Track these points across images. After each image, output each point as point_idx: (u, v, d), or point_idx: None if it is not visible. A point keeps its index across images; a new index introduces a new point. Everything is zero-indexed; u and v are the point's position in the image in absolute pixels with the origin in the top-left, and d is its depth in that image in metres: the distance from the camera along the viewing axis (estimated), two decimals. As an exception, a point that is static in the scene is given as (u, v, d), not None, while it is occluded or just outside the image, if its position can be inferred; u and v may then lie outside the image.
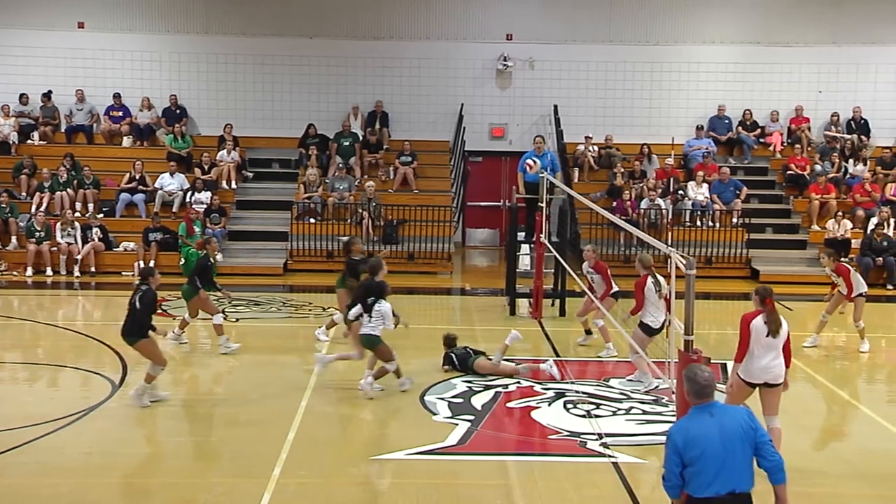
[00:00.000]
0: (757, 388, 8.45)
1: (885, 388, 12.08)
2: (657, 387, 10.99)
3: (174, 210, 20.46)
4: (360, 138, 22.42)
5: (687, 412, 5.71)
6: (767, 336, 8.37)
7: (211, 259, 13.24)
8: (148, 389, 10.43)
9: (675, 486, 5.55)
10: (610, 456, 8.86)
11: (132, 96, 22.59)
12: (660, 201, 20.22)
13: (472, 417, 10.12)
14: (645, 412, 10.37)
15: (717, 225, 20.34)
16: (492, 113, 22.99)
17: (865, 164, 21.52)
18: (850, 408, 10.87)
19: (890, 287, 18.68)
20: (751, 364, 8.39)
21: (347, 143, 22.10)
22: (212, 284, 12.86)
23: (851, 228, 19.78)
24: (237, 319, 14.71)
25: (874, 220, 19.57)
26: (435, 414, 10.24)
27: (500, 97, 23.03)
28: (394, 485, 8.35)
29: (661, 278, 10.93)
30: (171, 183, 20.90)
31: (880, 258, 18.61)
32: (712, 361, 11.02)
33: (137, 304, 10.29)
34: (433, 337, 12.60)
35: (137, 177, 20.90)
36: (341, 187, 21.03)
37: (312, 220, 20.38)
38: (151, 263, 19.27)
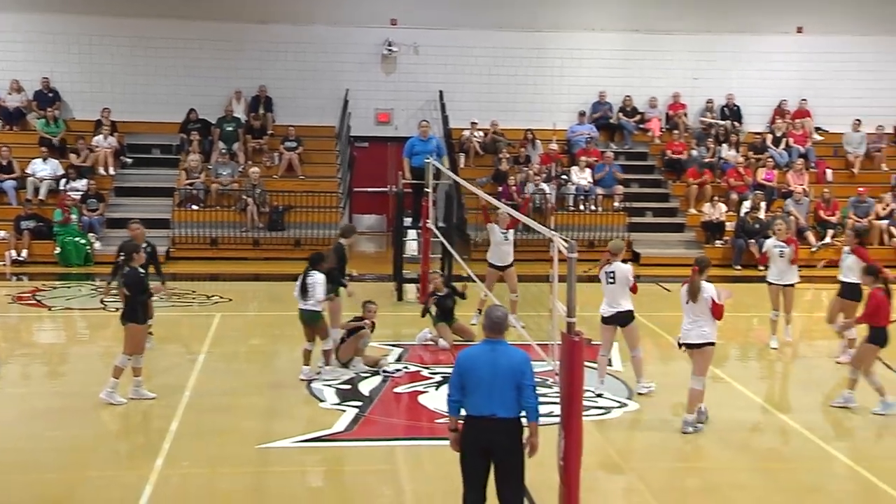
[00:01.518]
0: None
1: (757, 366, 12.58)
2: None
3: (41, 197, 19.68)
4: (244, 123, 22.03)
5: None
6: (688, 302, 9.27)
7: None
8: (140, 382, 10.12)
9: (453, 402, 6.44)
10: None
11: (0, 78, 21.62)
12: (544, 186, 20.55)
13: (359, 403, 10.12)
14: (530, 393, 10.54)
15: (600, 209, 20.81)
16: (377, 98, 22.89)
17: (738, 150, 22.34)
18: (725, 384, 11.28)
19: (761, 268, 19.39)
20: (682, 327, 9.42)
21: (231, 129, 21.69)
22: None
23: (726, 212, 20.51)
24: (118, 309, 14.28)
25: (747, 204, 20.34)
26: (322, 401, 10.20)
27: (386, 82, 22.95)
28: (280, 473, 8.28)
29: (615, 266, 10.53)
30: (43, 169, 20.12)
31: (752, 240, 19.35)
32: (593, 343, 11.33)
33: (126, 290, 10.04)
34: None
35: (5, 163, 20.03)
36: (225, 173, 20.64)
37: (195, 207, 19.95)
38: (25, 253, 18.56)
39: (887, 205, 20.48)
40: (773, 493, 8.03)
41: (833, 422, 9.98)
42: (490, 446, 6.30)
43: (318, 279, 10.60)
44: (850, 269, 11.87)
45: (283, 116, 22.48)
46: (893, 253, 19.92)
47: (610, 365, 11.21)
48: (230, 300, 15.60)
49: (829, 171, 22.34)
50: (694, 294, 9.24)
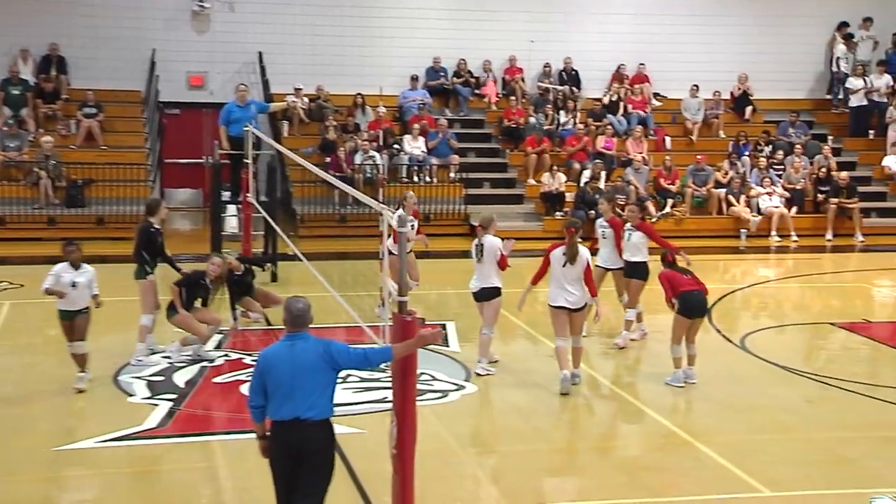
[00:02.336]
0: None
1: (598, 340, 13.02)
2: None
3: None
4: (33, 86, 20.98)
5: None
6: (564, 266, 10.00)
7: None
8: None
9: (255, 407, 6.23)
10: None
11: None
12: (375, 155, 20.55)
13: (174, 396, 9.92)
14: (362, 379, 10.57)
15: (434, 180, 21.01)
16: (189, 60, 22.28)
17: (576, 116, 23.01)
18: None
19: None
20: (551, 289, 10.26)
21: (17, 92, 20.65)
22: None
23: (565, 182, 21.11)
24: None
25: (587, 174, 21.01)
26: (131, 395, 9.95)
27: (198, 42, 22.35)
28: (80, 477, 8.00)
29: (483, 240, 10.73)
30: None
31: (593, 211, 19.99)
32: (428, 322, 11.46)
33: None
34: (128, 311, 12.13)
35: None
36: (13, 144, 19.61)
37: (-22, 182, 18.90)
38: None
39: (726, 172, 21.60)
40: (611, 472, 8.37)
41: (672, 399, 10.48)
42: (299, 452, 6.09)
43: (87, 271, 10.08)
44: (636, 248, 11.69)
45: (79, 79, 21.54)
46: (733, 223, 21.05)
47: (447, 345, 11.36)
48: (21, 286, 14.90)
49: (668, 139, 23.37)
50: (572, 257, 10.07)
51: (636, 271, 11.81)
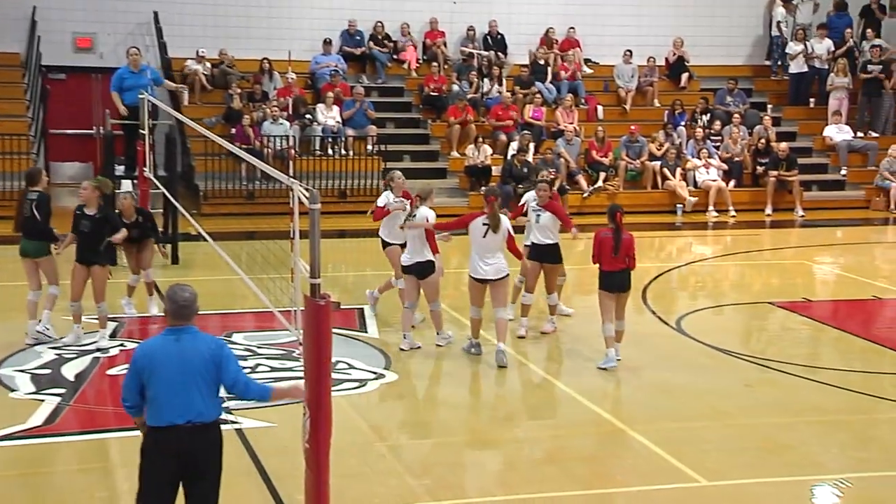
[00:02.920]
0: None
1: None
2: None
3: None
4: None
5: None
6: (485, 235, 10.49)
7: None
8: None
9: (132, 406, 5.99)
10: (233, 421, 8.90)
11: None
12: (285, 125, 20.37)
13: (62, 391, 9.78)
14: (273, 369, 10.54)
15: (350, 153, 20.92)
16: (75, 20, 21.79)
17: (503, 84, 23.09)
18: (489, 346, 11.72)
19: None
20: (472, 262, 10.74)
21: None
22: None
23: (491, 154, 21.18)
24: None
25: (514, 146, 21.11)
26: (13, 390, 9.78)
27: (85, 1, 21.86)
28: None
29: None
30: None
31: (520, 185, 20.12)
32: (343, 307, 11.46)
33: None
34: (16, 295, 11.92)
35: None
36: None
37: None
38: None
39: (661, 144, 21.88)
40: (540, 463, 8.48)
41: (604, 385, 10.63)
42: (191, 459, 5.86)
43: None
44: (547, 229, 11.57)
45: (-57, 40, 20.94)
46: (668, 197, 21.38)
47: (363, 333, 11.35)
48: None
49: (600, 108, 23.59)
50: (495, 226, 10.50)
51: (547, 255, 11.65)
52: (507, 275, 10.77)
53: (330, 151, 20.88)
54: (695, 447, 8.80)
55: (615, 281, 10.58)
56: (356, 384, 10.21)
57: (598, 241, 10.61)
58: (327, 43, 22.83)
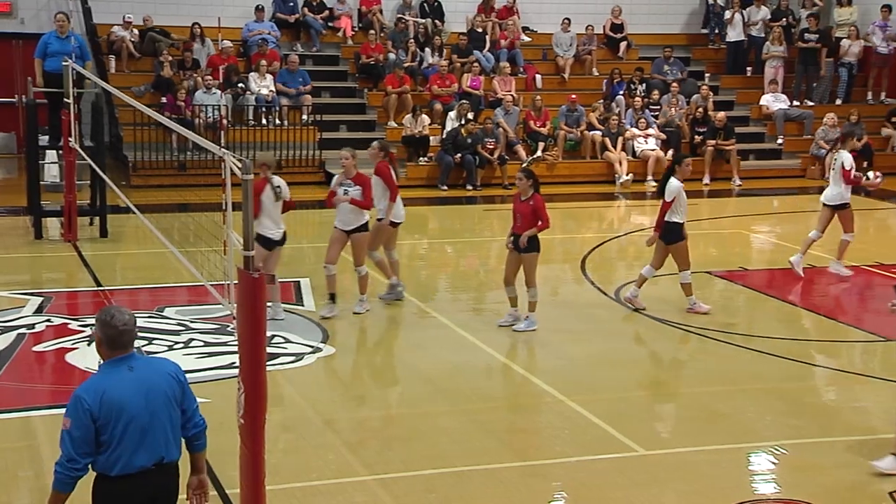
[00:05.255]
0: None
1: (466, 297, 13.19)
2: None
3: None
4: None
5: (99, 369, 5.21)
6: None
7: None
8: None
9: (80, 470, 4.96)
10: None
11: None
12: (217, 94, 20.12)
13: (-15, 368, 9.62)
14: (207, 343, 10.46)
15: (286, 123, 20.74)
16: (-6, -18, 21.33)
17: (441, 53, 23.02)
18: (430, 319, 11.76)
19: (469, 188, 20.31)
20: (397, 209, 11.71)
21: None
22: None
23: (429, 124, 21.13)
24: None
25: (452, 115, 21.07)
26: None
27: (7, -37, 21.42)
28: None
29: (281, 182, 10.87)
30: None
31: (459, 155, 20.10)
32: (281, 280, 11.40)
33: None
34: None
35: None
36: None
37: None
38: None
39: (601, 114, 21.99)
40: (478, 435, 8.53)
41: (542, 355, 10.71)
42: (162, 501, 5.22)
43: None
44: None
45: None
46: (607, 167, 21.50)
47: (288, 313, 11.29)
48: None
49: (538, 77, 23.63)
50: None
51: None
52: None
53: (264, 121, 20.68)
54: (633, 417, 8.91)
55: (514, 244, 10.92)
56: (292, 358, 10.17)
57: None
58: (259, 9, 22.53)
